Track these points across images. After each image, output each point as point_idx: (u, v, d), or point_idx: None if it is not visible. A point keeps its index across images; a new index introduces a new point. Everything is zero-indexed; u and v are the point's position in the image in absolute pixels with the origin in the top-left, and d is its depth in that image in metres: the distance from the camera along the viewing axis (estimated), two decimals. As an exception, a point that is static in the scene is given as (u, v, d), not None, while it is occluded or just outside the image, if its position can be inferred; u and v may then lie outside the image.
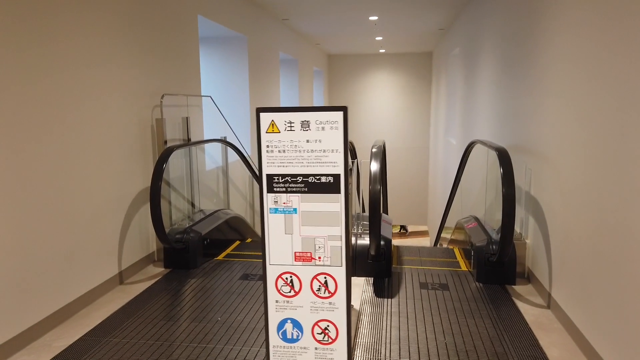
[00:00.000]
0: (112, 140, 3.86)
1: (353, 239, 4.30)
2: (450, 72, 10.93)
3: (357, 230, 4.46)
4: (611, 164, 2.63)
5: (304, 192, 1.98)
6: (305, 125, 1.93)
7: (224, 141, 5.59)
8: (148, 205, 4.51)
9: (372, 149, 4.00)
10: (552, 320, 3.40)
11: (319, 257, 2.02)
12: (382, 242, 4.19)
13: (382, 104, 16.56)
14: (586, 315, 2.95)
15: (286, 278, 2.06)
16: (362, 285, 4.03)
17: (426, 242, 16.82)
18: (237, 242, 5.45)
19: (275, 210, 2.02)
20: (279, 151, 1.98)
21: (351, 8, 8.32)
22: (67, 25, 3.31)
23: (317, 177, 1.96)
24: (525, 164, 4.20)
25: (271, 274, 2.08)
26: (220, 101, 6.54)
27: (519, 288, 3.98)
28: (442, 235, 7.12)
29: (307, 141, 1.95)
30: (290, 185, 2.00)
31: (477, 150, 5.63)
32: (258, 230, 6.40)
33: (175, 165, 4.81)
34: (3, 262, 2.83)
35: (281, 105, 9.81)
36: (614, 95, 2.63)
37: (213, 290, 3.90)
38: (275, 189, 2.02)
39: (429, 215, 16.22)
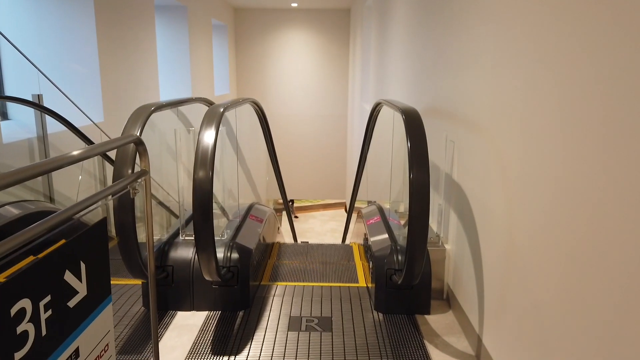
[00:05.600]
0: None
1: (191, 252, 2.79)
2: (365, 28, 9.54)
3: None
4: (596, 142, 1.29)
5: None
6: None
7: (22, 101, 3.78)
8: None
9: (209, 111, 2.46)
10: (484, 387, 2.13)
11: None
12: (234, 255, 2.72)
13: (297, 67, 14.96)
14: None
15: None
16: (198, 328, 2.56)
17: (342, 215, 15.73)
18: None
19: None
20: None
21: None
22: None
23: None
24: (446, 133, 2.87)
25: None
26: (43, 49, 4.69)
27: (434, 320, 2.69)
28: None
29: None
30: None
31: (386, 115, 4.27)
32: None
33: None
34: None
35: (159, 68, 7.97)
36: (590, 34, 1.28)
37: None
38: None
39: (347, 189, 15.09)
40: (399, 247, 2.79)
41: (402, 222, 3.28)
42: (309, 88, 15.08)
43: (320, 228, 15.56)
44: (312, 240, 12.80)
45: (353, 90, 12.45)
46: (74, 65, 5.55)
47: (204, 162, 2.20)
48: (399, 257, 2.72)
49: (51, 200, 4.22)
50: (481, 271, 2.31)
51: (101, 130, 5.04)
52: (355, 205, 5.86)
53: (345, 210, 15.22)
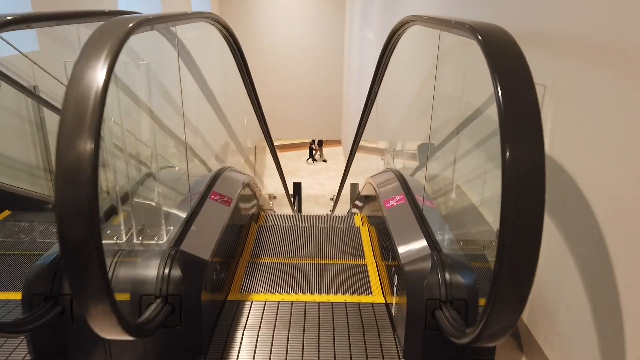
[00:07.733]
0: None
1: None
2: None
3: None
4: None
5: None
6: None
7: None
8: None
9: (100, 29, 1.27)
10: None
11: None
12: (175, 275, 1.63)
13: (287, -10, 13.24)
14: None
15: None
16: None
17: (336, 154, 14.65)
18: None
19: None
20: None
21: None
22: None
23: None
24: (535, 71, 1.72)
25: None
26: None
27: (503, 379, 1.67)
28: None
29: None
30: None
31: (409, 39, 3.03)
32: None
33: None
34: None
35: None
36: None
37: None
38: None
39: (344, 126, 13.86)
40: (444, 258, 1.71)
41: (442, 209, 2.18)
42: (300, 14, 13.45)
43: (314, 167, 14.53)
44: (305, 179, 11.76)
45: (351, 17, 10.94)
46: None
47: (79, 126, 1.06)
48: (448, 278, 1.65)
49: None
50: (618, 310, 1.25)
51: (32, 62, 3.64)
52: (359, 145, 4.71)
53: (344, 150, 14.16)
